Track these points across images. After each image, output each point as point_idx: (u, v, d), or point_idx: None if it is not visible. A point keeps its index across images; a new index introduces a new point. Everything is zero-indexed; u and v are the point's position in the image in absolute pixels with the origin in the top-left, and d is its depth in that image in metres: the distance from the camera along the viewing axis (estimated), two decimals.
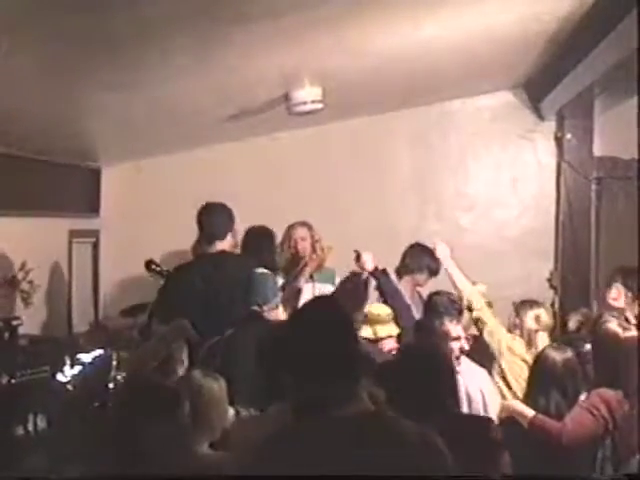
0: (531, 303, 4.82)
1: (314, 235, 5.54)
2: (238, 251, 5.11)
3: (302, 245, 5.50)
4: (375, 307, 4.67)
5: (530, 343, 4.62)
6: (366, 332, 4.41)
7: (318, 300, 2.54)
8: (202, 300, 4.54)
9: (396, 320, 4.52)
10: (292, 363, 2.19)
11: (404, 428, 2.16)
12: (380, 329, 4.45)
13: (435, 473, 2.07)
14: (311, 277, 5.38)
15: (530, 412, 3.82)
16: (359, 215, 6.68)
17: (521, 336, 4.68)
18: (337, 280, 5.47)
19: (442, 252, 5.13)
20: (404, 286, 5.47)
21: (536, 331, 4.66)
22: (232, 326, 4.06)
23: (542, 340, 4.62)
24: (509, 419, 3.87)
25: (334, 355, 2.14)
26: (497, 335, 4.67)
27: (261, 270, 4.81)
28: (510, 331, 4.76)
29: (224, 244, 4.71)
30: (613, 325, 4.17)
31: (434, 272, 5.44)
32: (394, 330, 4.46)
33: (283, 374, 2.22)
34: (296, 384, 2.18)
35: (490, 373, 4.57)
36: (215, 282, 4.62)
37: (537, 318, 4.70)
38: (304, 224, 5.58)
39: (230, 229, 4.75)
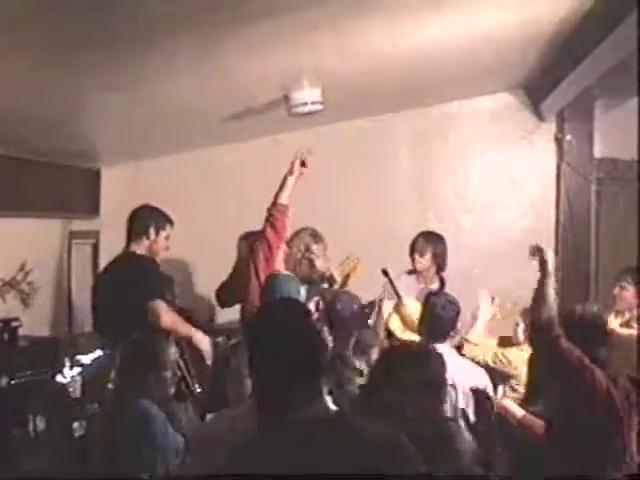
0: None
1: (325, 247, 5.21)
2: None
3: (319, 263, 5.15)
4: (413, 309, 4.65)
5: None
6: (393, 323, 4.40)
7: (282, 301, 2.53)
8: (102, 305, 4.62)
9: (420, 332, 4.47)
10: (255, 363, 2.18)
11: (366, 429, 2.15)
12: (402, 332, 4.45)
13: (399, 473, 2.06)
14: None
15: (520, 412, 3.87)
16: (359, 216, 6.68)
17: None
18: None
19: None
20: (410, 283, 5.48)
21: None
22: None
23: None
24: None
25: (295, 357, 2.12)
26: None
27: (285, 273, 4.79)
28: (514, 341, 4.80)
29: (138, 247, 4.66)
30: (613, 322, 4.18)
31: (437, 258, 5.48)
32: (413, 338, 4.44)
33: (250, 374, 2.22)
34: (259, 385, 2.17)
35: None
36: (103, 286, 4.67)
37: None
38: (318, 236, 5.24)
39: (144, 232, 4.68)
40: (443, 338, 4.24)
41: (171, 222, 4.77)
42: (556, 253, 6.72)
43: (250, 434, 2.17)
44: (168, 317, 4.37)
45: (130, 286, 4.43)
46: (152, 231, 4.67)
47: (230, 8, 3.41)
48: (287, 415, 2.10)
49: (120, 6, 3.06)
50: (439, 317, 4.30)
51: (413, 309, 4.73)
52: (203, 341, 4.50)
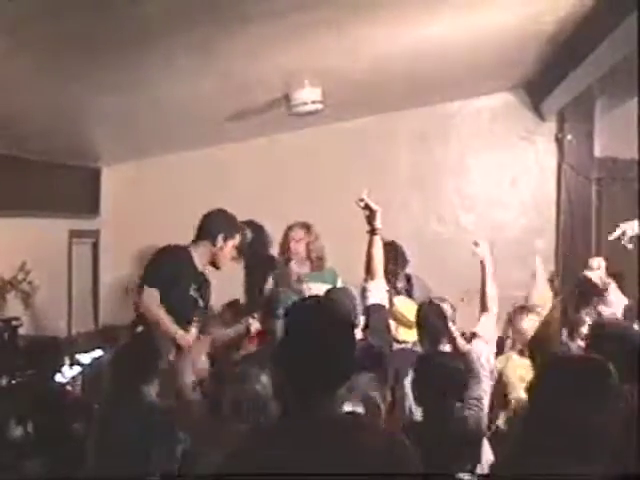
0: (526, 309, 4.88)
1: (311, 236, 5.44)
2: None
3: (295, 247, 5.31)
4: (404, 306, 4.60)
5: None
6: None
7: (310, 300, 2.51)
8: None
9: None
10: (280, 362, 2.19)
11: (366, 433, 2.15)
12: (402, 332, 4.43)
13: (398, 477, 2.06)
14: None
15: None
16: (359, 215, 6.65)
17: (522, 343, 4.71)
18: (339, 280, 5.42)
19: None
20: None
21: None
22: None
23: None
24: None
25: (313, 358, 2.12)
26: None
27: (284, 290, 4.78)
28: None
29: (200, 249, 4.60)
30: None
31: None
32: (414, 336, 4.41)
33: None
34: (284, 384, 2.18)
35: None
36: None
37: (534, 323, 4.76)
38: (303, 225, 5.47)
39: (211, 238, 4.58)
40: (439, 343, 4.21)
41: (241, 230, 4.69)
42: (556, 252, 6.74)
43: (259, 433, 2.18)
44: (152, 308, 4.32)
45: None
46: (220, 239, 4.55)
47: (230, 8, 3.41)
48: (300, 415, 2.11)
49: (120, 7, 3.06)
50: (434, 326, 4.23)
51: (403, 306, 4.71)
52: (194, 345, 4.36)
